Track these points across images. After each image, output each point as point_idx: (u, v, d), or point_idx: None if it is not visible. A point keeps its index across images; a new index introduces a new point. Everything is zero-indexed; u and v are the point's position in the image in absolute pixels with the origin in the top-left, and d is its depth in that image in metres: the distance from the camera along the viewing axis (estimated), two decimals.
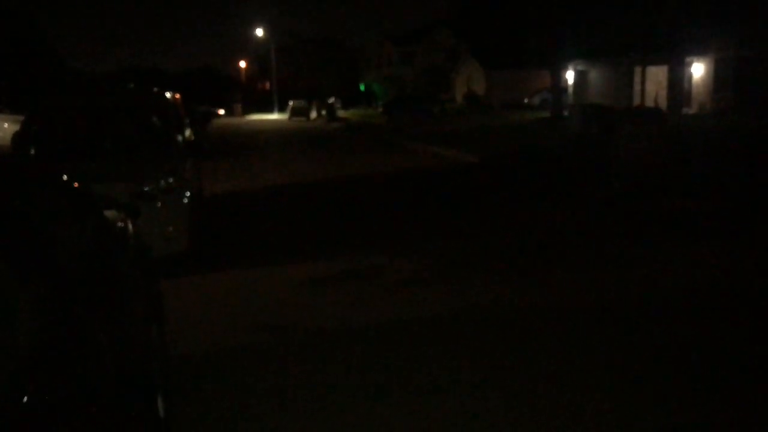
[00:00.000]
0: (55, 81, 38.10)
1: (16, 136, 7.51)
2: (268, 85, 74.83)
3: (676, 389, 3.83)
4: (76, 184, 2.99)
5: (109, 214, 3.34)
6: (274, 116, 54.67)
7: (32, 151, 7.20)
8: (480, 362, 4.28)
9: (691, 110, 28.06)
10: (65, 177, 2.92)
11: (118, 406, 2.26)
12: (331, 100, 46.36)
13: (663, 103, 27.58)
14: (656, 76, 29.46)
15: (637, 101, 28.78)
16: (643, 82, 29.30)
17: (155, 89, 9.43)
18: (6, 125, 14.64)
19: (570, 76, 34.19)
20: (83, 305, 2.15)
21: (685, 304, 5.31)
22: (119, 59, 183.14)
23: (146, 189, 6.66)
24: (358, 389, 3.94)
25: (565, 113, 23.41)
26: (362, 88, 53.48)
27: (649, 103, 27.77)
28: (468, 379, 4.04)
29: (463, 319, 5.09)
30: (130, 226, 3.87)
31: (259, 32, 65.43)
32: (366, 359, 4.38)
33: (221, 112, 54.40)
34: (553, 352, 4.40)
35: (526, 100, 42.59)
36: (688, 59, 27.87)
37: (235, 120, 50.61)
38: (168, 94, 8.65)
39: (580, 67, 33.52)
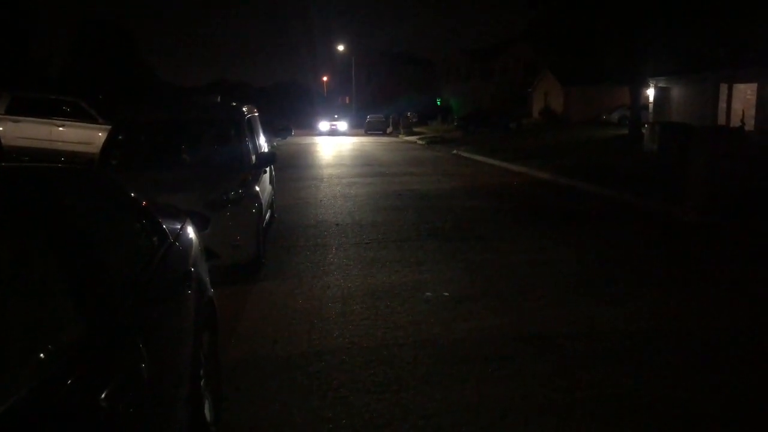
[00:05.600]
0: (146, 94, 40.24)
1: (103, 147, 8.06)
2: (348, 99, 76.23)
3: None
4: (132, 194, 3.26)
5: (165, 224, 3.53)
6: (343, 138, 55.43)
7: (114, 161, 7.72)
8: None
9: None
10: (117, 185, 3.17)
11: (156, 410, 2.37)
12: (407, 114, 46.74)
13: (750, 123, 26.31)
14: (744, 94, 28.16)
15: (722, 120, 27.59)
16: (729, 100, 28.05)
17: (233, 103, 9.87)
18: (100, 134, 15.63)
19: (650, 92, 33.15)
20: (125, 309, 2.33)
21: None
22: (208, 73, 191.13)
23: (216, 199, 7.02)
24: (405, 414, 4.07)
25: (644, 131, 22.76)
26: (439, 102, 53.59)
27: (735, 122, 26.55)
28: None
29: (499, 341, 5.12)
30: (191, 235, 4.10)
31: (340, 47, 66.93)
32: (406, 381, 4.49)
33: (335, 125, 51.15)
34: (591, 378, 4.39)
35: (604, 117, 41.64)
36: None
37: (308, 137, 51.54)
38: (245, 108, 9.05)
39: (661, 84, 32.42)
